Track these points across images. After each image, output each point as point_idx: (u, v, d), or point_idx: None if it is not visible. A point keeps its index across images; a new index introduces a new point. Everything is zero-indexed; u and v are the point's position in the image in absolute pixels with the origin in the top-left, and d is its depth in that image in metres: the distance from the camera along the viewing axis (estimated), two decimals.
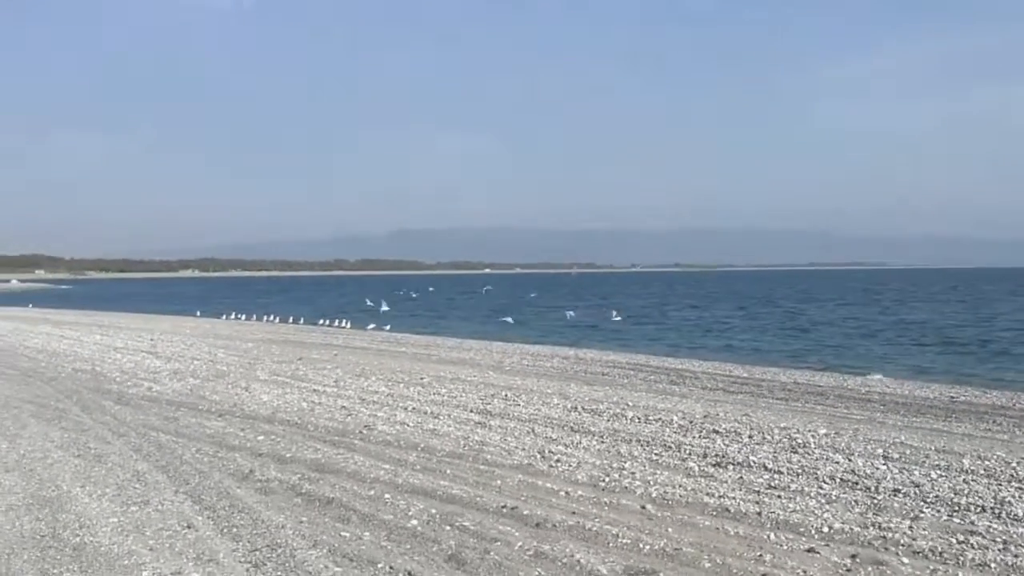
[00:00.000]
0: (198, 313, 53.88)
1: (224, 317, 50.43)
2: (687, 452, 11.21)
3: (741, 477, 9.90)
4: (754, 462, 10.59)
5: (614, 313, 54.31)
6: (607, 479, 9.73)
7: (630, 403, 15.72)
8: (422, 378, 19.33)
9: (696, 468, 10.31)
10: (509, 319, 50.10)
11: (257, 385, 17.88)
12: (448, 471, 10.05)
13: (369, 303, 62.14)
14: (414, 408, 14.81)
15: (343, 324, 43.44)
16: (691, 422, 13.54)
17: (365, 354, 26.31)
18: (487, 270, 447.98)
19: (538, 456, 10.88)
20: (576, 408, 14.94)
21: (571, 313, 55.44)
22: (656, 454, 11.10)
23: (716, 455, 11.02)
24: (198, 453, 11.00)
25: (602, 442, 11.88)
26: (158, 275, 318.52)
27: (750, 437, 12.28)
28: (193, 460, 10.60)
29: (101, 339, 31.39)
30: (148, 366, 21.80)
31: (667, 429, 12.97)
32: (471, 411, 14.58)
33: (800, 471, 10.19)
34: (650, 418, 13.88)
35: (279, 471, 10.03)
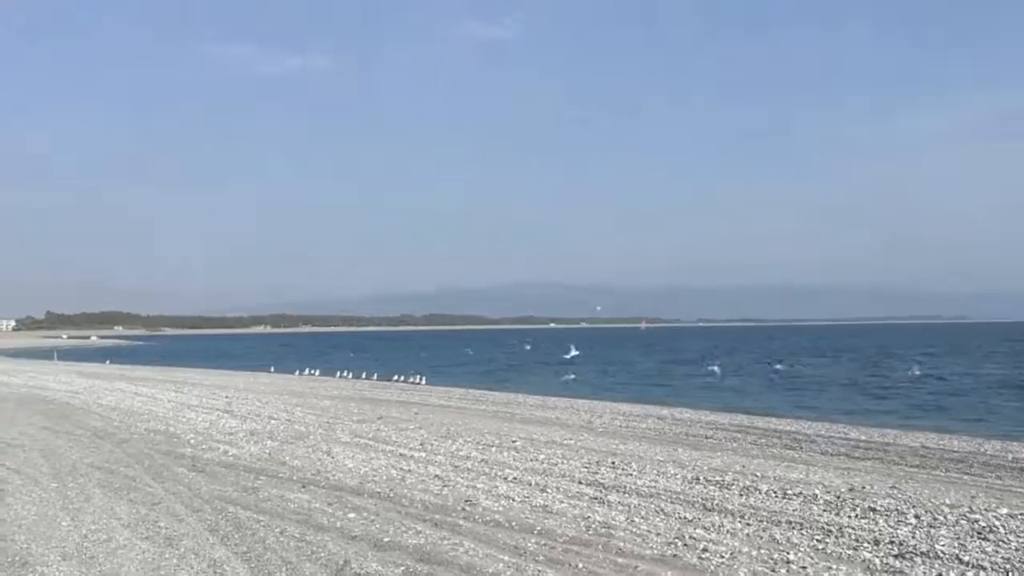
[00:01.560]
0: (272, 369, 53.01)
1: (297, 373, 49.41)
2: (853, 538, 9.28)
3: (940, 574, 7.95)
4: (943, 553, 8.62)
5: (716, 369, 52.86)
6: None
7: (756, 472, 13.79)
8: (513, 441, 17.61)
9: (877, 561, 8.38)
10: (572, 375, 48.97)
11: (339, 448, 16.33)
12: (580, 564, 8.28)
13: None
14: (515, 478, 13.07)
15: (419, 380, 42.00)
16: (837, 497, 11.57)
17: (445, 412, 24.70)
18: (551, 324, 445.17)
19: (679, 544, 9.05)
20: (699, 479, 13.07)
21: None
22: (818, 540, 9.19)
23: (890, 542, 9.08)
24: (282, 536, 9.40)
25: (747, 524, 10.01)
26: (231, 331, 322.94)
27: (917, 518, 10.28)
28: (278, 545, 9.00)
29: (175, 396, 30.29)
30: (223, 426, 20.44)
31: (813, 507, 11.02)
32: (580, 482, 12.80)
33: (1007, 567, 8.21)
34: (788, 492, 11.94)
35: (379, 562, 8.37)
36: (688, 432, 20.68)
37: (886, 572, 8.05)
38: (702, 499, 11.52)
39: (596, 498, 11.57)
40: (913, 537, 9.29)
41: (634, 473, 13.66)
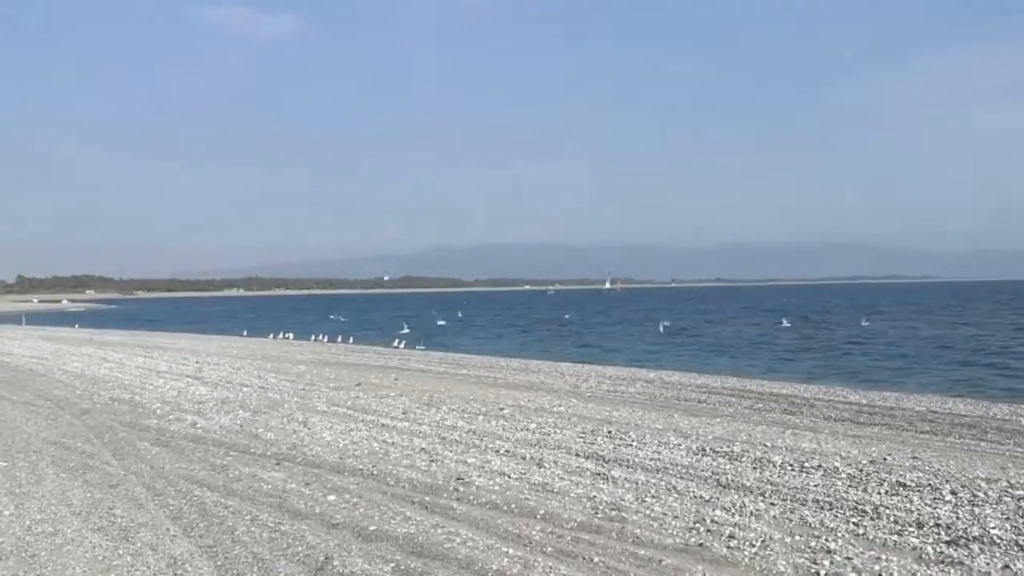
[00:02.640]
0: (245, 333, 51.44)
1: (272, 336, 47.96)
2: (892, 520, 8.25)
3: (1007, 565, 6.93)
4: (1000, 538, 7.59)
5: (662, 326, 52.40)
6: (821, 570, 6.83)
7: (764, 442, 12.77)
8: (501, 408, 16.51)
9: (929, 549, 7.33)
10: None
11: (316, 418, 15.16)
12: (594, 557, 7.17)
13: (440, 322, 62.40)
14: (507, 451, 11.96)
15: (399, 344, 40.72)
16: (860, 470, 10.55)
17: (426, 378, 23.53)
18: (526, 287, 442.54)
19: (701, 530, 7.98)
20: (705, 450, 12.02)
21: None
22: (854, 523, 8.15)
23: (935, 524, 8.05)
24: (254, 525, 8.24)
25: (771, 503, 8.95)
26: (203, 294, 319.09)
27: (955, 495, 9.27)
28: (248, 537, 7.84)
29: (144, 362, 28.91)
30: (193, 394, 19.20)
31: (836, 482, 10.00)
32: (578, 455, 11.71)
33: None
34: (805, 464, 10.91)
35: (364, 557, 7.23)
36: (680, 396, 19.66)
37: (943, 563, 7.02)
38: (713, 473, 10.47)
39: (599, 474, 10.48)
40: (958, 518, 8.26)
41: (634, 443, 12.60)
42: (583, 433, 13.58)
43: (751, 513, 8.57)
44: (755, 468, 10.83)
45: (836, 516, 8.42)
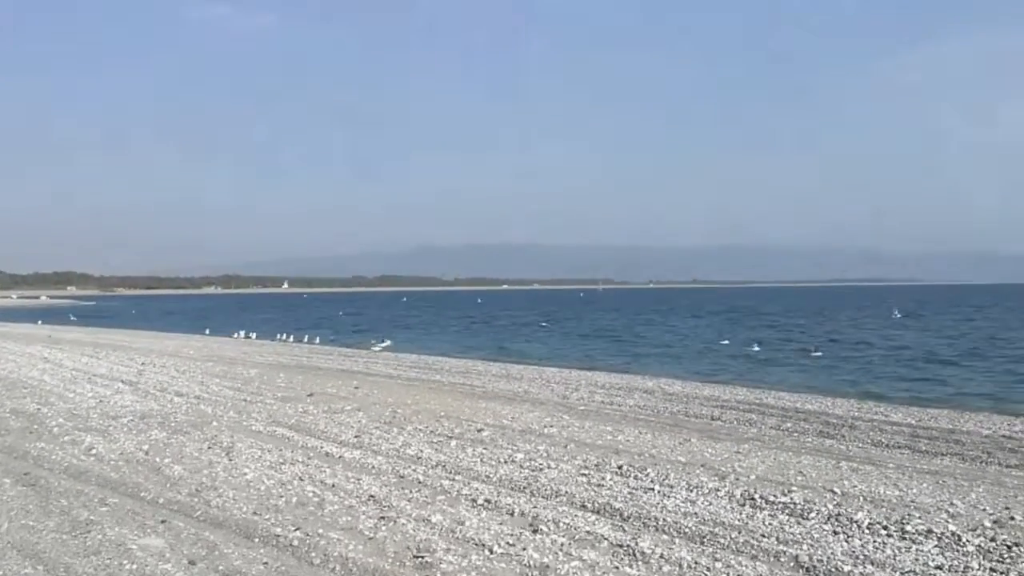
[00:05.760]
0: (207, 331, 47.54)
1: (235, 335, 44.17)
2: None
3: None
4: None
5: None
6: None
7: (825, 484, 9.39)
8: (479, 429, 13.06)
9: None
10: None
11: (246, 443, 11.65)
12: None
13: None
14: (488, 501, 8.52)
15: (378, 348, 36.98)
16: (988, 537, 7.22)
17: (392, 386, 19.98)
18: (504, 286, 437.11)
19: None
20: (753, 498, 8.64)
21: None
22: None
23: None
24: None
25: None
26: (182, 291, 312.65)
27: None
28: None
29: (86, 363, 25.20)
30: (114, 405, 15.65)
31: (966, 559, 6.66)
32: (585, 507, 8.30)
33: None
34: (905, 528, 7.52)
35: None
36: (688, 411, 16.24)
37: None
38: (780, 542, 7.11)
39: (620, 545, 7.06)
40: None
41: (656, 486, 9.20)
42: (586, 468, 10.17)
43: None
44: (836, 533, 7.46)
45: None
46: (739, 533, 7.42)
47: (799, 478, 9.82)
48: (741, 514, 8.09)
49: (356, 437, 12.27)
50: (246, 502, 8.49)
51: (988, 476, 10.42)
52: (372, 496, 8.69)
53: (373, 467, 10.18)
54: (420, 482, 9.39)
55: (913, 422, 15.05)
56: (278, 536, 7.30)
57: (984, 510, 8.31)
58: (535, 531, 7.44)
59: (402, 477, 9.64)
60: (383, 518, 7.86)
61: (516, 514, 8.03)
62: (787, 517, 7.98)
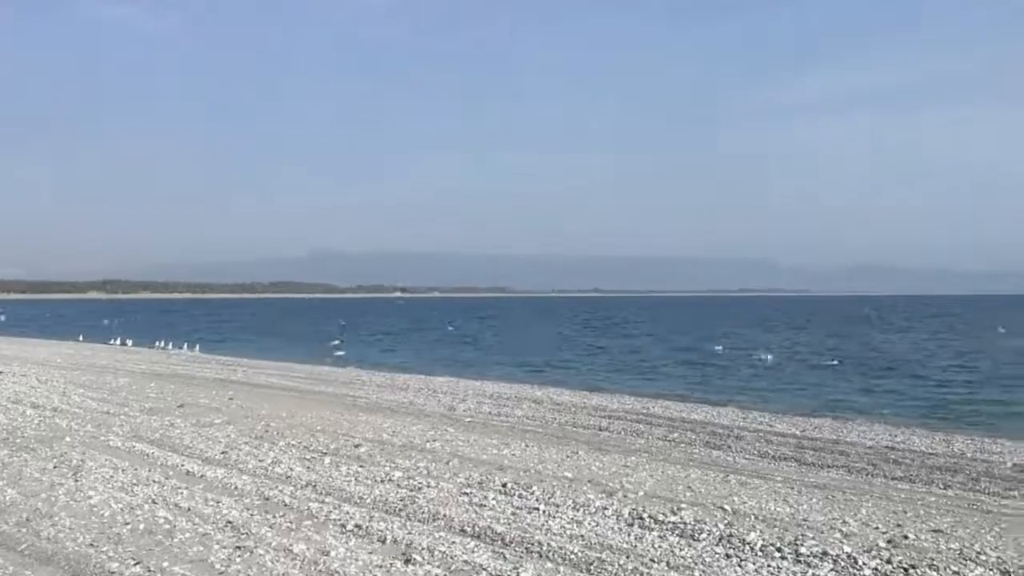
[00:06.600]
0: (80, 337, 44.87)
1: (112, 342, 41.81)
2: None
3: None
4: None
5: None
6: None
7: (715, 501, 8.97)
8: (356, 444, 12.24)
9: None
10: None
11: (98, 461, 10.54)
12: None
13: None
14: (359, 527, 7.75)
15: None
16: (884, 559, 6.87)
17: (269, 396, 18.90)
18: (398, 293, 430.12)
19: None
20: (642, 517, 8.13)
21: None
22: None
23: None
24: None
25: None
26: (64, 296, 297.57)
27: None
28: None
29: None
30: None
31: None
32: (464, 532, 7.63)
33: None
34: (799, 549, 7.13)
35: None
36: (576, 421, 15.78)
37: None
38: (670, 566, 6.61)
39: (501, 575, 6.42)
40: None
41: (540, 506, 8.61)
42: (468, 486, 9.50)
43: None
44: (728, 556, 7.00)
45: None
46: (627, 559, 6.87)
47: (688, 494, 9.39)
48: (630, 536, 7.57)
49: (223, 453, 11.29)
50: (84, 531, 7.50)
51: (875, 489, 10.22)
52: (230, 522, 7.81)
53: (236, 488, 9.28)
54: (286, 504, 8.55)
55: (798, 432, 14.94)
56: (112, 573, 6.38)
57: (876, 528, 8.00)
58: (407, 561, 6.73)
59: (267, 499, 8.78)
60: (239, 547, 7.02)
61: (388, 541, 7.29)
62: (677, 539, 7.49)
